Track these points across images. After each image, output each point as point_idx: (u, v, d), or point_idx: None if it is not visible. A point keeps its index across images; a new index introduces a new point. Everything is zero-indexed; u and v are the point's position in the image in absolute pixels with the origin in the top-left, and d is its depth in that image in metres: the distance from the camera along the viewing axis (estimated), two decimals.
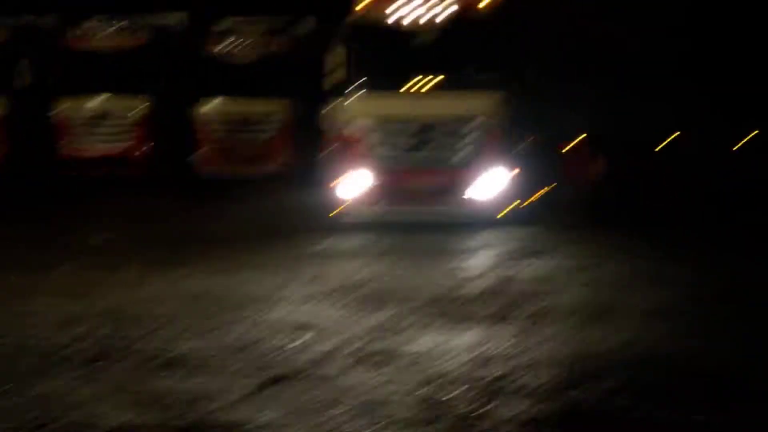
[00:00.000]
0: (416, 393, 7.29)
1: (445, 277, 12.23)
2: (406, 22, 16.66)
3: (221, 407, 7.02)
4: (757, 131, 22.79)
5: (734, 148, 21.96)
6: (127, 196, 21.20)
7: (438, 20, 16.58)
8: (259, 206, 19.25)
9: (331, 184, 16.83)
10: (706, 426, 6.58)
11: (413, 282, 11.94)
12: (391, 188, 16.33)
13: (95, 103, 22.96)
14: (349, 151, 16.71)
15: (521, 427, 6.61)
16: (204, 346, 8.94)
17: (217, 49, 23.34)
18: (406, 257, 13.71)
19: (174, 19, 25.08)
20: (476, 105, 16.35)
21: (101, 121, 22.98)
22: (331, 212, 16.51)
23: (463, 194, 16.37)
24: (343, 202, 16.50)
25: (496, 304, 10.51)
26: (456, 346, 8.74)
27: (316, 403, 7.06)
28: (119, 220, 17.92)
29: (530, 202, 16.56)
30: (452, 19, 16.60)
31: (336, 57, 17.05)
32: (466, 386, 7.43)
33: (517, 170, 16.45)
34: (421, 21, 16.63)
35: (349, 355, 8.50)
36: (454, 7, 16.66)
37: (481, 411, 6.78)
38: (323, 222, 16.33)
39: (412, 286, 11.65)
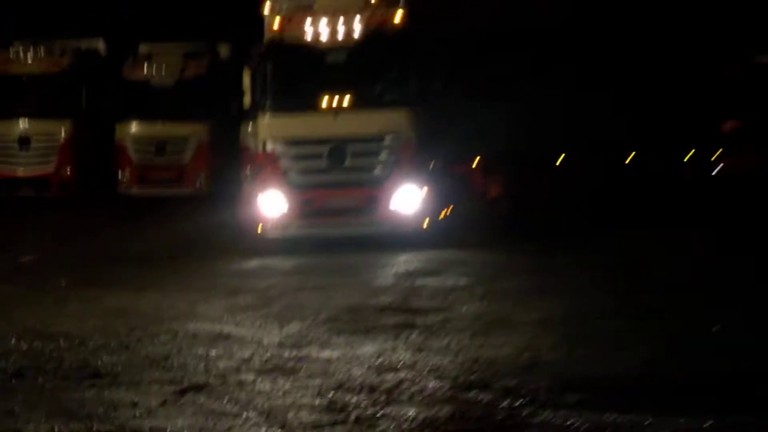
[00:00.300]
0: (320, 398, 7.41)
1: (354, 292, 12.16)
2: (316, 43, 16.41)
3: (141, 414, 7.04)
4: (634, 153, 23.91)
5: (626, 162, 22.87)
6: (53, 216, 21.25)
7: (347, 41, 16.32)
8: (179, 225, 19.49)
9: (250, 207, 16.88)
10: (583, 428, 6.74)
11: (323, 296, 11.95)
12: (308, 206, 16.26)
13: (19, 126, 23.04)
14: (266, 170, 16.54)
15: (415, 428, 6.72)
16: (124, 359, 8.93)
17: (137, 73, 23.51)
18: (318, 273, 13.71)
19: (93, 44, 25.02)
20: (386, 123, 16.20)
21: (26, 143, 23.03)
22: (252, 236, 16.47)
23: (378, 210, 16.29)
24: (263, 221, 16.34)
25: (400, 316, 10.61)
26: (360, 355, 8.84)
27: (228, 409, 7.15)
28: (46, 240, 18.13)
29: (439, 219, 16.67)
30: (361, 40, 16.35)
31: (249, 79, 16.93)
32: (367, 392, 7.55)
33: (427, 187, 16.47)
34: (331, 42, 16.36)
35: (261, 364, 8.59)
36: (363, 28, 16.36)
37: (379, 414, 6.90)
38: (242, 240, 16.48)
39: (322, 299, 11.68)
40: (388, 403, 7.30)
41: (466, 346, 9.09)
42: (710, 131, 23.94)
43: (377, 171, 16.44)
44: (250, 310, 11.18)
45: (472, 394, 7.62)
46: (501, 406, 7.24)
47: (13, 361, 9.08)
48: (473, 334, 9.73)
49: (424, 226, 16.33)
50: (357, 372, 8.25)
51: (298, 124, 16.55)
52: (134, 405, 7.32)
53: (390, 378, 8.01)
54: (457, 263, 14.53)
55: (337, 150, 16.28)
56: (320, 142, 16.35)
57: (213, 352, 9.10)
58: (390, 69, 16.67)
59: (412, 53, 16.55)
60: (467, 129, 20.29)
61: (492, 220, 17.76)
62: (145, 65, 23.51)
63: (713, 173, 23.37)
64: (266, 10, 17.28)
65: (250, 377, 8.20)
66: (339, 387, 7.76)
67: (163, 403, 7.36)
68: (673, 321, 10.07)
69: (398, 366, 8.47)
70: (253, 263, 15.24)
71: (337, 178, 16.43)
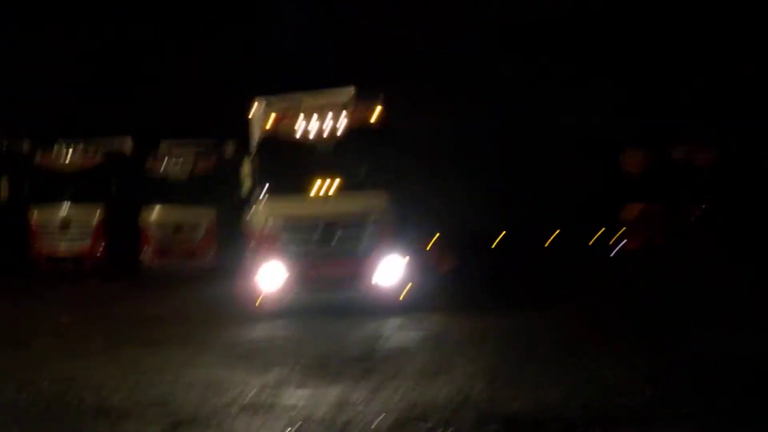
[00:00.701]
0: (291, 428, 7.70)
1: (330, 344, 12.38)
2: (305, 137, 16.44)
3: None
4: (558, 230, 23.80)
5: (545, 245, 23.43)
6: (88, 285, 21.17)
7: (331, 135, 16.36)
8: (191, 293, 19.27)
9: (252, 277, 16.74)
10: None
11: (304, 349, 12.14)
12: (302, 278, 16.23)
13: (61, 211, 22.98)
14: (264, 247, 16.60)
15: None
16: (133, 399, 9.19)
17: (157, 167, 23.45)
18: (306, 333, 13.85)
19: (122, 142, 24.92)
20: (367, 204, 16.39)
21: (66, 226, 22.85)
22: (252, 301, 16.49)
23: (365, 280, 16.30)
24: (263, 291, 16.38)
25: (364, 365, 10.83)
26: (323, 397, 9.06)
27: None
28: (82, 304, 17.84)
29: (405, 292, 16.38)
30: (343, 134, 16.47)
31: (248, 168, 17.04)
32: (327, 424, 7.89)
33: (402, 261, 16.52)
34: (317, 136, 16.40)
35: (240, 405, 8.79)
36: (344, 124, 16.52)
37: None
38: (244, 308, 16.24)
39: (301, 351, 11.87)
40: None
41: (412, 389, 9.29)
42: (614, 216, 24.67)
43: (362, 245, 16.25)
44: (242, 361, 11.42)
45: (412, 424, 8.06)
46: None
47: (43, 399, 9.35)
48: (420, 379, 9.96)
49: (401, 297, 16.11)
50: (318, 411, 8.49)
51: (291, 206, 16.52)
52: None
53: (343, 416, 8.27)
54: (418, 321, 14.44)
55: (327, 227, 16.23)
56: (311, 221, 16.35)
57: (206, 393, 9.31)
58: (368, 158, 16.51)
59: (387, 144, 16.55)
60: (429, 211, 19.94)
61: (446, 289, 17.41)
62: (164, 160, 23.53)
63: (616, 249, 23.80)
64: (259, 111, 17.48)
65: (228, 417, 8.46)
66: (306, 419, 8.12)
67: None
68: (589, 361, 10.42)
69: (352, 406, 8.71)
70: (250, 325, 15.05)
71: (328, 251, 16.33)
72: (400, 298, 16.16)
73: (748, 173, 25.27)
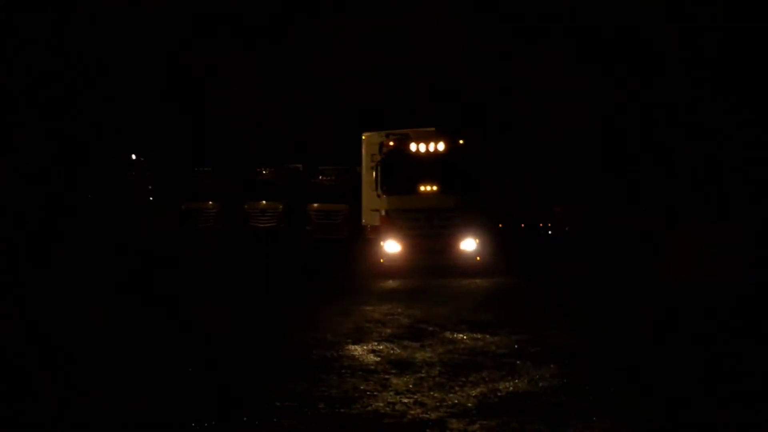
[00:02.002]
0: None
1: (429, 289, 16.80)
2: (413, 156, 20.07)
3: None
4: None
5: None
6: (278, 243, 28.98)
7: (431, 155, 20.03)
8: (339, 257, 24.51)
9: (380, 245, 20.07)
10: None
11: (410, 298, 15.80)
12: (411, 249, 19.74)
13: (262, 203, 31.33)
14: (386, 227, 19.98)
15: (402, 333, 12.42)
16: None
17: (318, 179, 31.35)
18: (414, 283, 17.81)
19: (297, 166, 33.30)
20: (457, 202, 19.64)
21: (264, 212, 31.44)
22: (377, 262, 20.05)
23: (452, 250, 19.62)
24: (386, 256, 19.88)
25: (449, 293, 15.81)
26: (429, 312, 13.50)
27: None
28: (275, 256, 24.91)
29: (480, 258, 19.71)
30: (441, 152, 20.00)
31: (376, 173, 20.32)
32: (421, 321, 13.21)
33: (480, 238, 19.75)
34: (421, 155, 20.06)
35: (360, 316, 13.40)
36: (442, 145, 19.94)
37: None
38: (373, 266, 20.16)
39: (408, 300, 15.41)
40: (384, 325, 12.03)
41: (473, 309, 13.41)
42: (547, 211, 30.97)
43: (452, 228, 19.73)
44: (379, 298, 15.34)
45: (422, 325, 12.22)
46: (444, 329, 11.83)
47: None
48: (479, 303, 14.23)
49: (478, 259, 19.68)
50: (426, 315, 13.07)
51: (405, 201, 19.90)
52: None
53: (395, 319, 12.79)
54: (485, 277, 18.49)
55: (427, 216, 19.78)
56: (418, 211, 19.73)
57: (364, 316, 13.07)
58: (455, 171, 19.78)
59: (467, 161, 19.96)
60: (494, 207, 23.41)
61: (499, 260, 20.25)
62: (320, 177, 31.30)
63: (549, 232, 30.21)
64: (372, 139, 22.56)
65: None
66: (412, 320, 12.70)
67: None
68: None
69: (403, 314, 13.12)
70: (379, 279, 18.79)
71: (428, 232, 19.77)
72: (477, 260, 19.55)
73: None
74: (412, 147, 19.90)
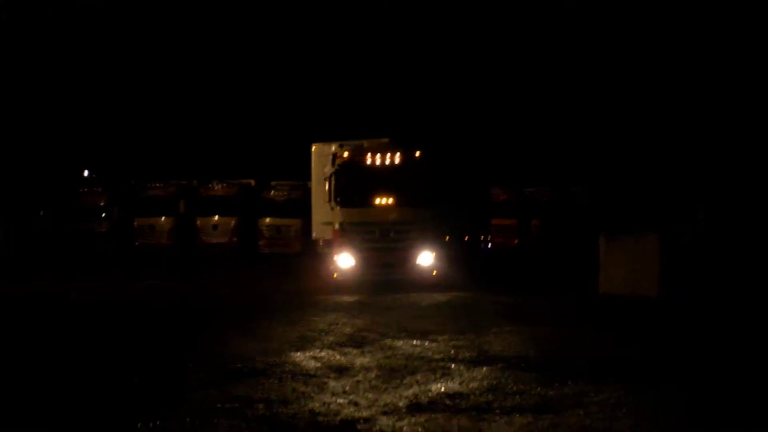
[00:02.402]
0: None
1: (384, 302, 16.63)
2: (368, 167, 19.69)
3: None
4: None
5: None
6: (227, 261, 28.92)
7: (387, 167, 19.66)
8: (290, 270, 24.79)
9: (331, 261, 19.90)
10: None
11: (367, 305, 16.62)
12: (366, 262, 19.42)
13: (214, 219, 31.69)
14: (339, 241, 19.59)
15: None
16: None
17: (268, 195, 31.87)
18: (368, 297, 17.63)
19: (250, 182, 33.50)
20: (414, 215, 19.37)
21: (216, 228, 31.84)
22: (330, 276, 19.85)
23: (407, 265, 19.32)
24: (339, 270, 19.60)
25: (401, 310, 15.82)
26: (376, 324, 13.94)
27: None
28: (222, 269, 25.47)
29: (437, 272, 19.48)
30: (398, 163, 19.68)
31: (329, 186, 19.84)
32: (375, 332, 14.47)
33: (436, 252, 19.45)
34: (377, 167, 19.65)
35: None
36: (398, 157, 19.61)
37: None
38: (326, 281, 20.02)
39: (365, 306, 16.33)
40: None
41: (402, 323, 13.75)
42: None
43: (409, 242, 19.39)
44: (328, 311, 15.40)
45: (364, 333, 12.92)
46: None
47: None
48: (440, 318, 14.27)
49: (434, 273, 19.45)
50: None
51: (359, 214, 19.59)
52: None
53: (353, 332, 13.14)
54: (442, 292, 18.09)
55: (385, 229, 19.59)
56: (373, 225, 19.51)
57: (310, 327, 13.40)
58: (412, 184, 19.36)
59: (424, 174, 19.48)
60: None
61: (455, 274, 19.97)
62: (272, 192, 31.82)
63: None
64: (324, 150, 21.74)
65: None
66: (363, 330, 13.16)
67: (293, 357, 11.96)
68: None
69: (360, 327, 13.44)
70: (331, 293, 18.63)
71: (385, 246, 19.48)
72: (433, 276, 19.32)
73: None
74: (368, 158, 19.64)
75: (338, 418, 8.03)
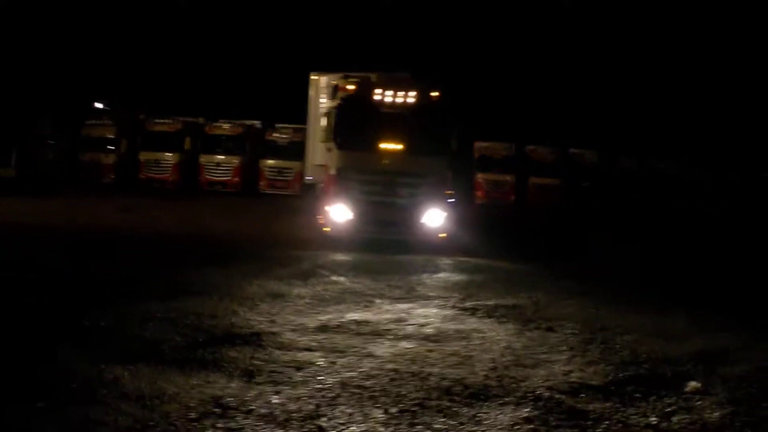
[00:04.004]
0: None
1: (379, 267, 15.11)
2: (378, 104, 17.65)
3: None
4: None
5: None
6: (228, 199, 29.80)
7: (400, 106, 17.68)
8: (285, 214, 25.25)
9: (327, 210, 17.62)
10: None
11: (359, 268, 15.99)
12: (366, 218, 17.31)
13: (218, 157, 34.20)
14: (336, 189, 17.39)
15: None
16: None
17: (271, 136, 34.33)
18: (362, 258, 16.18)
19: (256, 123, 35.75)
20: (426, 167, 17.38)
21: (219, 165, 34.33)
22: (322, 230, 17.97)
23: (415, 225, 17.27)
24: (331, 223, 17.51)
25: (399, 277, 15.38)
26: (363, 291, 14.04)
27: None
28: (217, 204, 26.80)
29: (445, 235, 17.59)
30: (410, 107, 17.65)
31: (327, 122, 18.05)
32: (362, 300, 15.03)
33: (446, 212, 17.50)
34: (388, 105, 17.64)
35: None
36: (413, 96, 17.59)
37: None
38: (317, 234, 18.37)
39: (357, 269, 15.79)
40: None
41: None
42: None
43: (417, 198, 17.42)
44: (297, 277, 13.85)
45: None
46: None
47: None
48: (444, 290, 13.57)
49: (443, 236, 17.49)
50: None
51: (363, 158, 17.47)
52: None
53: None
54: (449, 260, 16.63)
55: (391, 181, 17.38)
56: (380, 173, 17.35)
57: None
58: (428, 129, 17.50)
59: (441, 119, 17.61)
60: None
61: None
62: (274, 134, 33.89)
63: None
64: (325, 81, 20.57)
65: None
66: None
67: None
68: None
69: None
70: (321, 249, 17.02)
71: (389, 199, 17.44)
72: (440, 238, 17.42)
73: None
74: (377, 94, 17.52)
75: (251, 330, 9.62)
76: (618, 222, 27.87)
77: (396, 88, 17.43)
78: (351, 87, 17.56)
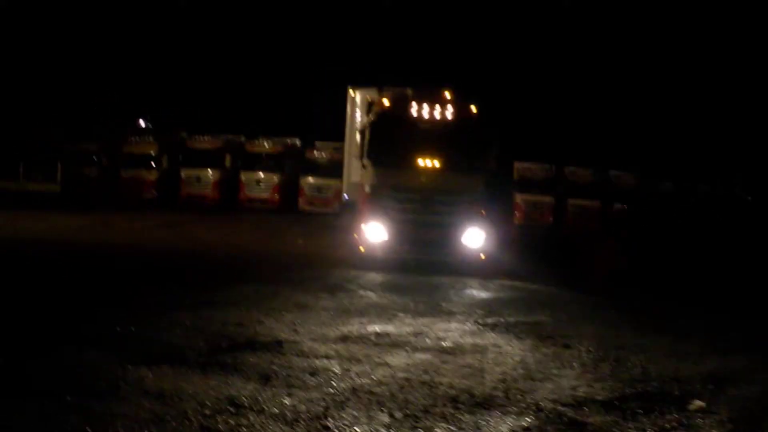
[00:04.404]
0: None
1: (418, 289, 14.95)
2: (414, 120, 17.27)
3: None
4: None
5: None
6: (266, 217, 31.06)
7: (437, 122, 17.26)
8: (323, 233, 25.50)
9: (362, 229, 17.16)
10: None
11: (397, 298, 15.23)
12: (401, 239, 16.88)
13: (259, 175, 34.82)
14: (371, 208, 16.99)
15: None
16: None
17: (310, 155, 34.59)
18: (402, 281, 15.71)
19: (294, 140, 36.26)
20: (464, 184, 16.97)
21: (259, 183, 34.75)
22: (358, 248, 17.37)
23: (452, 244, 16.81)
24: (365, 243, 17.08)
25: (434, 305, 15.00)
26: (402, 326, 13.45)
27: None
28: (255, 224, 27.49)
29: (486, 255, 17.27)
30: (448, 123, 17.23)
31: (362, 139, 17.57)
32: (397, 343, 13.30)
33: (486, 231, 17.07)
34: (425, 121, 17.23)
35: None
36: (450, 111, 17.21)
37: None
38: (352, 252, 17.97)
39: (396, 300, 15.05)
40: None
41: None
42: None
43: (455, 217, 16.93)
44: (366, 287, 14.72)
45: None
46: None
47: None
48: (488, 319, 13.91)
49: (483, 257, 16.98)
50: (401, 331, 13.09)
51: (399, 175, 16.96)
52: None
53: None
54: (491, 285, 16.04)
55: (428, 199, 16.94)
56: (415, 191, 16.90)
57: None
58: (467, 145, 17.15)
59: (479, 135, 17.15)
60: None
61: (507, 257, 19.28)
62: (315, 152, 34.31)
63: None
64: (360, 96, 20.13)
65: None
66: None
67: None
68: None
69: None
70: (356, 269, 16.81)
71: (427, 218, 16.95)
72: (482, 259, 16.93)
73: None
74: (412, 108, 17.17)
75: (273, 339, 10.13)
76: (656, 242, 27.97)
77: (432, 103, 17.07)
78: (386, 102, 17.23)
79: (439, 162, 16.95)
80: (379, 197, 16.73)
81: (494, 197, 18.83)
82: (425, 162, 16.92)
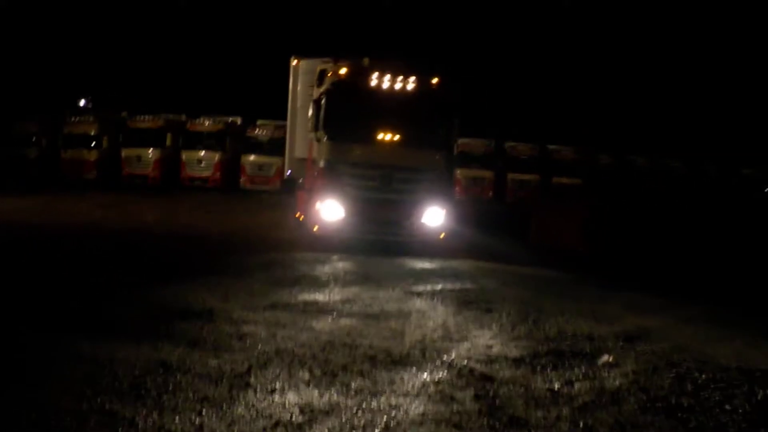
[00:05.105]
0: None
1: (373, 267, 14.87)
2: (371, 92, 16.33)
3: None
4: None
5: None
6: (207, 195, 30.99)
7: (396, 95, 16.44)
8: (267, 204, 26.82)
9: (313, 207, 16.43)
10: None
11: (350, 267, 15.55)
12: (357, 216, 16.16)
13: (199, 154, 34.89)
14: (327, 184, 16.20)
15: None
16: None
17: (251, 133, 34.78)
18: (355, 260, 15.49)
19: (236, 119, 36.57)
20: (425, 160, 16.39)
21: (200, 162, 34.73)
22: (310, 229, 16.75)
23: (412, 224, 16.32)
24: (320, 222, 16.28)
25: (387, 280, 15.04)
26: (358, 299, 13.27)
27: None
28: (199, 201, 27.35)
29: (445, 235, 16.83)
30: (407, 96, 16.44)
31: (315, 112, 16.50)
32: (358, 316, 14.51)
33: (446, 209, 16.60)
34: (382, 94, 16.32)
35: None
36: (411, 83, 16.45)
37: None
38: (304, 233, 17.70)
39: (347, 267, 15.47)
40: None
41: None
42: None
43: (413, 194, 16.36)
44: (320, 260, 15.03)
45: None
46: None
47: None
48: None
49: (441, 237, 16.65)
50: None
51: (356, 151, 16.35)
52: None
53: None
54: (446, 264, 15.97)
55: (385, 175, 16.30)
56: (373, 167, 16.25)
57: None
58: (427, 120, 16.54)
59: (441, 109, 16.59)
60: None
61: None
62: (256, 130, 34.56)
63: None
64: (310, 66, 18.48)
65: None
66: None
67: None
68: None
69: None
70: (309, 249, 16.39)
71: (383, 196, 16.32)
72: (440, 239, 16.61)
73: None
74: (371, 80, 16.32)
75: (204, 308, 10.72)
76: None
77: (391, 74, 16.27)
78: (342, 71, 16.21)
79: (399, 136, 16.31)
80: (334, 173, 16.04)
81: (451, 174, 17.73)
82: (384, 136, 16.25)
